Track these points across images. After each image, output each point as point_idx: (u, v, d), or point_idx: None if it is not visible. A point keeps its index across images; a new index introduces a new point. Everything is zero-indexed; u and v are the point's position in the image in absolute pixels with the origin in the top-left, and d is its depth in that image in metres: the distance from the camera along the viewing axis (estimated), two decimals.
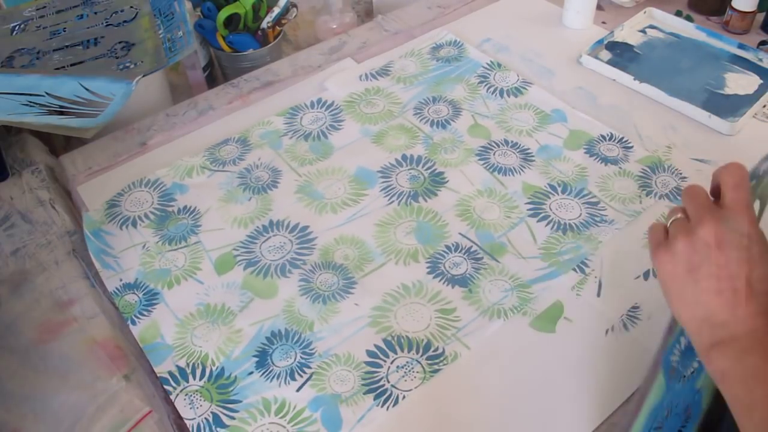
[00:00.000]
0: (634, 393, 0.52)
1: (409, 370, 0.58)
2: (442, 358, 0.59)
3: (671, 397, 0.47)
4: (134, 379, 0.57)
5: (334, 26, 1.06)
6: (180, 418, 0.56)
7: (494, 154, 0.78)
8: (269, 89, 0.90)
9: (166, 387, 0.58)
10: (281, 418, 0.55)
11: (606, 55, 0.91)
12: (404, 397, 0.56)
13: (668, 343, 0.47)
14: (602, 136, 0.79)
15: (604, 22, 0.99)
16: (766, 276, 0.41)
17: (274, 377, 0.58)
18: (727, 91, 0.83)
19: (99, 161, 0.81)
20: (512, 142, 0.79)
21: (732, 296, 0.41)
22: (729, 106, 0.81)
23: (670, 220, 0.47)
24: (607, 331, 0.60)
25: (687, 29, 0.94)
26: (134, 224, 0.72)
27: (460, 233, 0.69)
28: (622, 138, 0.78)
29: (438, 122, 0.83)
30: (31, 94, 0.76)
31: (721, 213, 0.44)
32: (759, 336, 0.40)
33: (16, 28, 0.91)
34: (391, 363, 0.59)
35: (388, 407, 0.55)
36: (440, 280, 0.65)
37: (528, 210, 0.71)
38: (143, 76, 0.78)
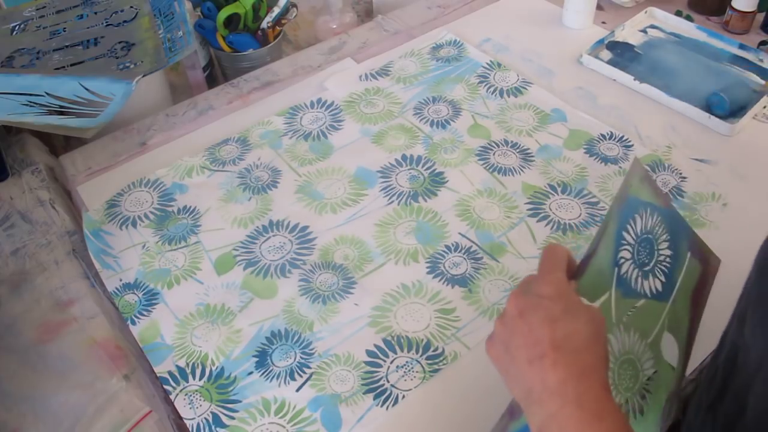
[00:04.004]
0: None
1: (409, 370, 0.58)
2: (441, 358, 0.59)
3: None
4: (134, 379, 0.57)
5: (334, 26, 1.06)
6: (180, 418, 0.56)
7: (494, 154, 0.78)
8: (269, 89, 0.90)
9: (165, 387, 0.58)
10: (281, 418, 0.55)
11: (606, 55, 0.91)
12: (404, 396, 0.56)
13: (509, 429, 0.45)
14: (602, 135, 0.79)
15: (604, 22, 0.99)
16: (571, 332, 0.40)
17: (273, 377, 0.58)
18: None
19: (99, 161, 0.81)
20: (512, 142, 0.79)
21: (540, 363, 0.39)
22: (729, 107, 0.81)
23: None
24: None
25: (687, 29, 0.94)
26: (134, 224, 0.72)
27: (459, 233, 0.69)
28: (623, 137, 0.78)
29: (438, 122, 0.83)
30: (31, 94, 0.76)
31: (524, 286, 0.44)
32: (570, 407, 0.38)
33: (16, 28, 0.91)
34: (391, 363, 0.59)
35: (387, 407, 0.55)
36: (440, 280, 0.65)
37: (528, 210, 0.71)
38: (143, 76, 0.78)
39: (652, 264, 0.48)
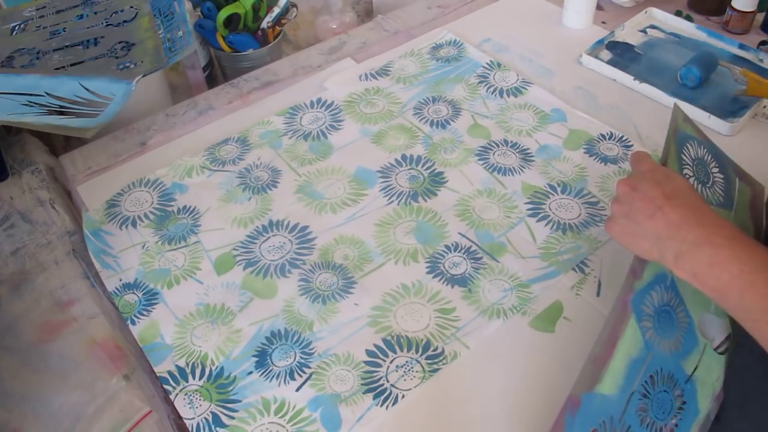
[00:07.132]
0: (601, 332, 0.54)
1: (409, 370, 0.58)
2: (441, 358, 0.59)
3: (655, 361, 0.49)
4: (134, 379, 0.57)
5: (334, 26, 1.06)
6: (180, 418, 0.56)
7: (494, 154, 0.78)
8: (269, 89, 0.90)
9: (165, 387, 0.58)
10: (281, 417, 0.55)
11: (606, 55, 0.91)
12: (404, 396, 0.56)
13: (634, 288, 0.51)
14: (602, 135, 0.79)
15: (603, 22, 0.99)
16: (676, 186, 0.51)
17: (273, 377, 0.58)
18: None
19: (99, 161, 0.81)
20: (512, 142, 0.79)
21: (660, 213, 0.49)
22: (729, 107, 0.81)
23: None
24: None
25: (687, 29, 0.94)
26: (134, 224, 0.72)
27: (459, 233, 0.69)
28: (622, 136, 0.78)
29: (438, 122, 0.83)
30: (31, 94, 0.76)
31: (624, 178, 0.55)
32: (696, 229, 0.47)
33: (16, 28, 0.91)
34: (391, 362, 0.59)
35: (387, 406, 0.56)
36: (440, 280, 0.65)
37: (527, 210, 0.71)
38: (143, 76, 0.78)
39: (710, 183, 0.58)
